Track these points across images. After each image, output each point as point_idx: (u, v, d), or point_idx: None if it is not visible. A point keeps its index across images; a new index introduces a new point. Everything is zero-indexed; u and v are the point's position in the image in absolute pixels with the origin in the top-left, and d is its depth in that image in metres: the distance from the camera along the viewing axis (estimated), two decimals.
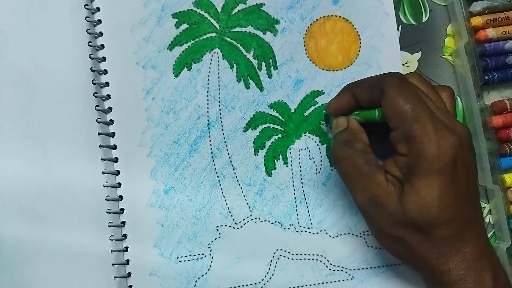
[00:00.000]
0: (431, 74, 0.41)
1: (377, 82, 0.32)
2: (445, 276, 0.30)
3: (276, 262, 0.38)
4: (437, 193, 0.29)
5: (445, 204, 0.29)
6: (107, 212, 0.37)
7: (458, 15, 0.39)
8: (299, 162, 0.39)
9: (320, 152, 0.39)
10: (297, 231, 0.38)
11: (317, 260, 0.38)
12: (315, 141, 0.39)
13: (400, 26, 0.41)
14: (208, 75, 0.39)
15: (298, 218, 0.38)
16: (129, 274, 0.37)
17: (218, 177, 0.38)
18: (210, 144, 0.39)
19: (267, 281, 0.38)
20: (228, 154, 0.39)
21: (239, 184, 0.38)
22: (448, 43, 0.41)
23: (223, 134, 0.39)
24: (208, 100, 0.39)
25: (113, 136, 0.38)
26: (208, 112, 0.39)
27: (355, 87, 0.33)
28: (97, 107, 0.38)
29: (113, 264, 0.37)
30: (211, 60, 0.39)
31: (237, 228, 0.38)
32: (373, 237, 0.35)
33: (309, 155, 0.39)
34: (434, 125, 0.29)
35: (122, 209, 0.38)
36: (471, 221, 0.30)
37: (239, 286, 0.37)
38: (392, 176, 0.31)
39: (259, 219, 0.38)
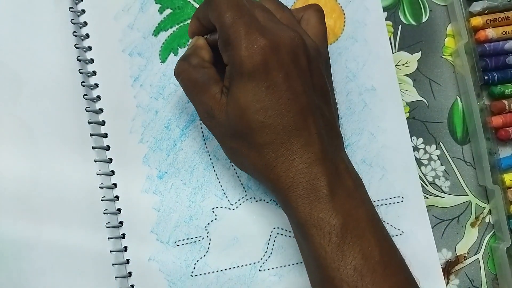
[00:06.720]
0: (431, 74, 0.40)
1: None
2: (276, 184, 0.29)
3: (274, 241, 0.38)
4: (249, 97, 0.28)
5: (259, 108, 0.28)
6: (102, 200, 0.37)
7: (458, 15, 0.39)
8: None
9: None
10: None
11: None
12: None
13: (400, 26, 0.41)
14: None
15: None
16: (127, 261, 0.37)
17: (211, 159, 0.38)
18: (201, 128, 0.39)
19: (266, 260, 0.38)
20: None
21: (233, 165, 0.38)
22: (448, 43, 0.41)
23: None
24: None
25: (103, 125, 0.38)
26: None
27: (197, 10, 0.33)
28: (85, 96, 0.38)
29: (110, 251, 0.37)
30: None
31: (233, 209, 0.38)
32: None
33: None
34: (247, 30, 0.28)
35: (117, 197, 0.38)
36: (299, 128, 0.29)
37: (238, 266, 0.37)
38: (226, 88, 0.30)
39: (254, 198, 0.38)
